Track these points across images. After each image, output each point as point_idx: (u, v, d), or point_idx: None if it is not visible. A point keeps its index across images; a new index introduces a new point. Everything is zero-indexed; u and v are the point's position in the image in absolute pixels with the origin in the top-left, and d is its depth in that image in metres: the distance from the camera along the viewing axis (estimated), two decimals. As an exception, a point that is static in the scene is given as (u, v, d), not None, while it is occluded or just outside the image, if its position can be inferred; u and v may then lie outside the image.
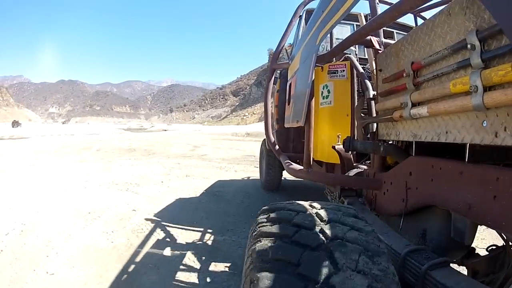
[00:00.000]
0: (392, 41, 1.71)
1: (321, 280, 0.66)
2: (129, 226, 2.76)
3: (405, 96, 1.10)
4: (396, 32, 2.85)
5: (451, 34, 0.88)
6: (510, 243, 1.03)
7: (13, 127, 38.68)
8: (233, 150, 10.18)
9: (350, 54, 2.25)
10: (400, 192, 1.21)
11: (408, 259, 0.93)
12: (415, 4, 1.01)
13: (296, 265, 0.70)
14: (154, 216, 3.06)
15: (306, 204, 0.98)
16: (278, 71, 3.39)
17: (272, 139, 2.79)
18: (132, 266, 2.04)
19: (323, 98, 2.20)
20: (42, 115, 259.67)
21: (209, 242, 2.48)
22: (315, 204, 0.97)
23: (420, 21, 2.69)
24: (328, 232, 0.80)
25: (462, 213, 0.88)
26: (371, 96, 1.65)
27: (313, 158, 1.88)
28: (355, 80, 2.09)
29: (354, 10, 1.62)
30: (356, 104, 2.00)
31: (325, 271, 0.68)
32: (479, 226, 0.97)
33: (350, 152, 1.71)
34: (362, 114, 1.61)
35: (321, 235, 0.78)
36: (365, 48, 2.42)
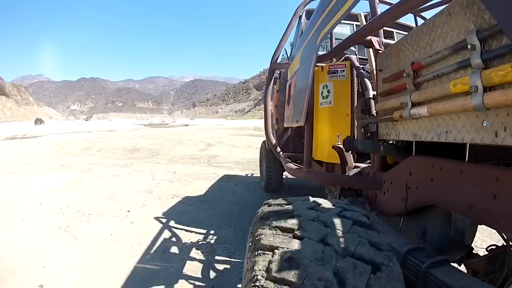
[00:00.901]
0: (392, 41, 1.71)
1: None
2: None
3: (405, 96, 1.10)
4: (396, 32, 2.85)
5: (451, 34, 0.88)
6: (510, 243, 1.03)
7: (35, 124, 38.34)
8: (251, 150, 8.75)
9: (350, 54, 2.25)
10: (400, 192, 1.21)
11: (408, 257, 0.93)
12: (415, 4, 1.01)
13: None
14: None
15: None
16: (278, 72, 3.39)
17: (272, 139, 2.79)
18: None
19: (323, 98, 2.20)
20: (64, 112, 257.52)
21: None
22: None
23: (420, 21, 2.68)
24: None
25: (462, 213, 0.88)
26: (371, 96, 1.65)
27: (313, 158, 1.88)
28: (355, 80, 2.09)
29: (354, 10, 1.62)
30: (356, 104, 2.01)
31: None
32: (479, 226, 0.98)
33: (350, 152, 1.71)
34: (362, 114, 1.61)
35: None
36: (365, 48, 2.42)
